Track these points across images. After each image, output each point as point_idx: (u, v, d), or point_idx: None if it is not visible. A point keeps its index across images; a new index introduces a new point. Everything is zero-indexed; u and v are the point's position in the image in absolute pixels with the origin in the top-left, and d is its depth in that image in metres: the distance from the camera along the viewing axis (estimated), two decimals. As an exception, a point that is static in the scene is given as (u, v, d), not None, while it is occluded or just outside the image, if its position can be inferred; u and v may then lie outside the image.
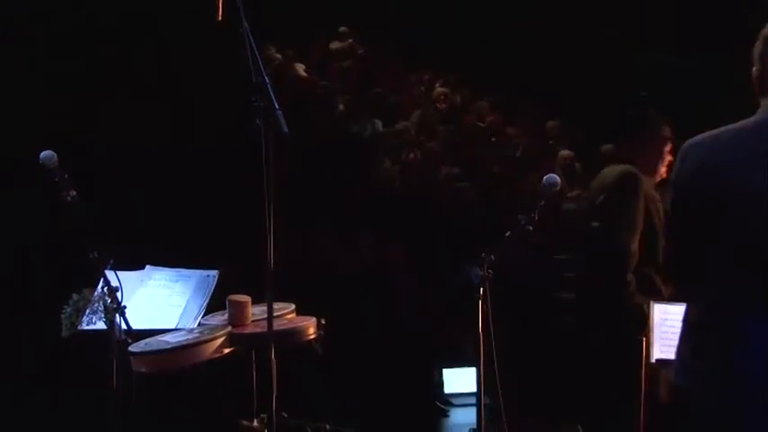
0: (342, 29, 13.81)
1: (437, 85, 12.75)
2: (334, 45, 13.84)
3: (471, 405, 8.06)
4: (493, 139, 11.89)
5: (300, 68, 12.40)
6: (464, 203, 9.57)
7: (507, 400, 7.96)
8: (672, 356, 3.39)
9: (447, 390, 8.14)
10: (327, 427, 3.91)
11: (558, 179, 4.10)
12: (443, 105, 12.39)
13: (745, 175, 2.53)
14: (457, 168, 10.48)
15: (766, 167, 2.50)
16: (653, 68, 11.43)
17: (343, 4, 13.76)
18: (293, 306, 3.79)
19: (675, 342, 3.53)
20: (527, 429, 5.46)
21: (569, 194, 10.49)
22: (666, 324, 4.00)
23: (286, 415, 3.79)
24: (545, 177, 4.07)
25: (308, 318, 3.66)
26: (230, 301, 3.55)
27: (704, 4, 10.77)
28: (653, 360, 3.95)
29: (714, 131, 2.69)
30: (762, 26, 2.70)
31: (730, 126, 2.66)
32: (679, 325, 3.06)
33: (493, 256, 3.92)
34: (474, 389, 8.18)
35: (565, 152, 10.77)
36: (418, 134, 11.29)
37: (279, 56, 12.31)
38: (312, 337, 3.58)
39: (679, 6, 11.26)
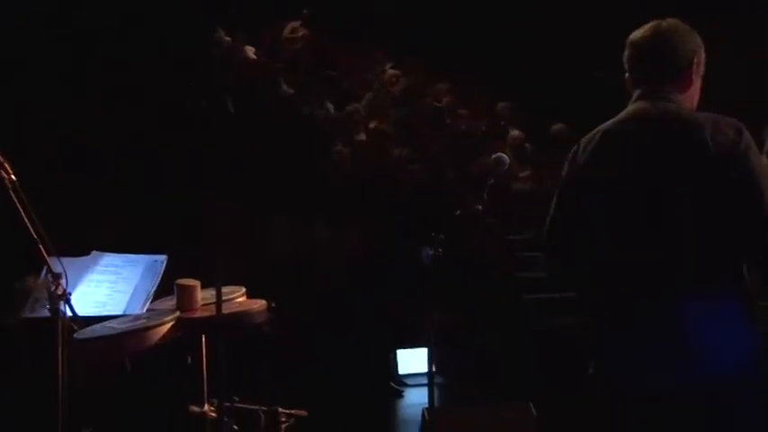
0: (304, 11, 13.66)
1: (388, 67, 12.69)
2: (287, 28, 13.74)
3: (425, 385, 8.13)
4: (448, 121, 11.90)
5: (250, 51, 12.29)
6: (416, 185, 9.55)
7: (463, 379, 8.05)
8: None
9: (402, 371, 8.17)
10: (280, 410, 3.87)
11: (506, 159, 4.08)
12: (395, 88, 12.35)
13: (627, 165, 2.82)
14: (408, 150, 10.47)
15: (647, 157, 2.80)
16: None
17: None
18: (243, 289, 3.74)
19: None
20: (481, 409, 5.49)
21: (521, 175, 10.55)
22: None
23: (237, 399, 3.75)
24: (493, 157, 4.05)
25: (257, 301, 3.61)
26: (178, 286, 3.49)
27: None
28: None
29: (610, 121, 2.93)
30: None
31: (617, 117, 2.92)
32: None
33: (442, 236, 3.87)
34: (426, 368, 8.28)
35: (515, 133, 10.79)
36: (370, 117, 11.27)
37: (228, 38, 12.19)
38: (262, 320, 3.53)
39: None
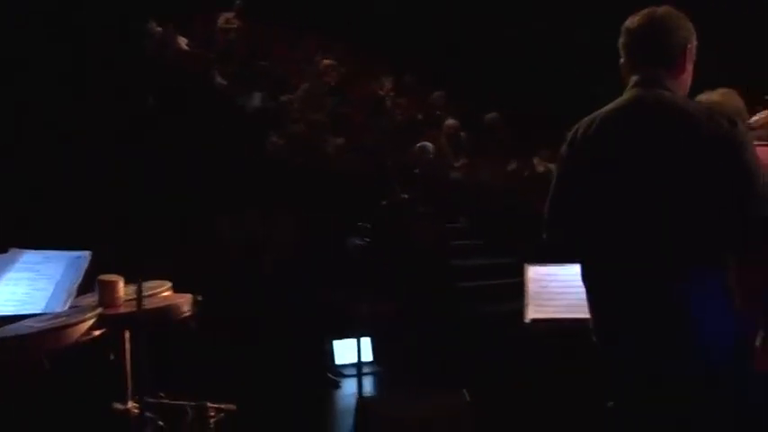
0: (237, 1, 13.54)
1: (323, 56, 12.64)
2: (220, 19, 13.63)
3: (364, 375, 8.12)
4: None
5: (182, 42, 12.16)
6: (351, 174, 9.53)
7: (399, 368, 8.04)
8: (547, 316, 3.57)
9: (338, 361, 8.14)
10: (208, 404, 3.82)
11: (431, 147, 4.07)
12: (330, 77, 12.30)
13: (624, 150, 2.95)
14: (343, 139, 10.45)
15: (642, 143, 2.91)
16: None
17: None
18: (169, 284, 3.69)
19: (551, 302, 3.65)
20: (414, 396, 5.49)
21: (456, 164, 10.58)
22: (541, 285, 4.02)
23: (163, 395, 3.69)
24: (417, 146, 4.04)
25: (183, 295, 3.56)
26: (99, 282, 3.43)
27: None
28: (527, 320, 3.95)
29: (604, 108, 3.05)
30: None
31: (613, 103, 3.04)
32: (558, 286, 3.76)
33: (368, 225, 3.84)
34: (365, 359, 8.26)
35: (450, 122, 10.81)
36: (306, 107, 11.22)
37: (159, 29, 12.04)
38: (187, 314, 3.48)
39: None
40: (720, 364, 2.85)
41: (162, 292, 3.60)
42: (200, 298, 3.51)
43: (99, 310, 3.31)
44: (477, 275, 9.08)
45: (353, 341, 8.06)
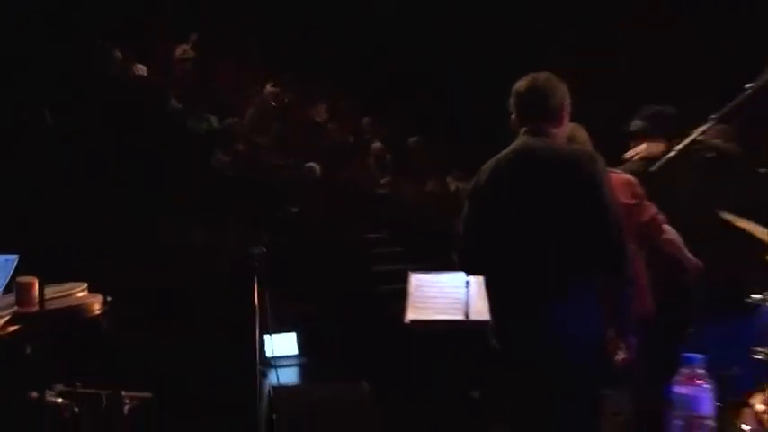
0: (193, 35, 13.49)
1: (269, 85, 12.60)
2: (178, 50, 13.55)
3: (291, 366, 8.08)
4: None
5: (141, 69, 12.04)
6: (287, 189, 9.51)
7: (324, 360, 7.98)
8: (423, 317, 3.64)
9: (270, 353, 8.07)
10: (123, 393, 3.75)
11: (317, 168, 4.07)
12: (275, 103, 12.27)
13: (515, 189, 3.30)
14: (283, 159, 10.44)
15: (529, 183, 3.27)
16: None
17: (187, 9, 13.49)
18: (85, 285, 3.63)
19: (427, 305, 3.70)
20: (321, 386, 5.52)
21: (382, 181, 10.62)
22: (421, 290, 4.04)
23: (79, 384, 3.63)
24: (306, 165, 4.05)
25: (95, 295, 3.51)
26: (17, 283, 3.36)
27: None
28: (407, 321, 3.98)
29: (500, 154, 3.41)
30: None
31: (506, 150, 3.40)
32: (435, 292, 3.99)
33: (266, 236, 3.83)
34: (294, 351, 8.20)
35: (377, 145, 10.85)
36: (252, 129, 11.19)
37: (120, 56, 11.93)
38: (97, 312, 3.43)
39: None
40: (589, 360, 3.20)
41: (76, 292, 3.54)
42: (109, 298, 3.45)
43: (14, 309, 3.25)
44: (396, 279, 9.09)
45: (284, 335, 8.05)
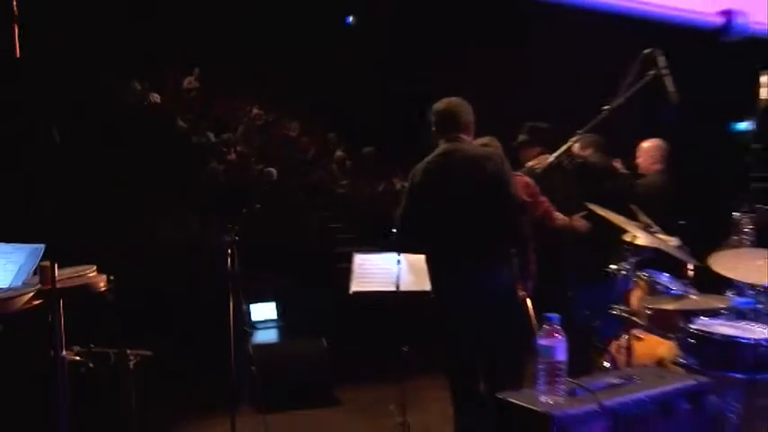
0: (196, 69, 13.37)
1: (255, 108, 12.52)
2: (185, 81, 13.44)
3: (271, 328, 8.03)
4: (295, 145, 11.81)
5: (155, 97, 11.91)
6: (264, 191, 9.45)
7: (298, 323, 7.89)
8: (364, 289, 3.63)
9: (254, 318, 8.03)
10: (128, 351, 3.69)
11: (274, 172, 4.04)
12: (259, 122, 12.20)
13: (443, 183, 3.45)
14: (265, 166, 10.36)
15: (453, 178, 3.44)
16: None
17: (191, 45, 13.37)
18: (94, 267, 3.57)
19: (369, 280, 3.66)
20: (290, 343, 5.53)
21: (342, 182, 10.60)
22: (362, 267, 4.04)
23: (93, 346, 3.57)
24: (264, 170, 4.01)
25: (100, 275, 3.46)
26: (39, 267, 3.31)
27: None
28: (351, 292, 3.97)
29: (428, 157, 3.56)
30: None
31: (433, 154, 3.55)
32: (373, 268, 3.97)
33: (237, 227, 3.79)
34: (273, 317, 8.11)
35: (339, 153, 10.82)
36: (242, 142, 11.11)
37: (138, 86, 11.80)
38: (103, 289, 3.38)
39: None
40: (506, 306, 3.42)
41: (87, 273, 3.48)
42: (113, 277, 3.40)
43: (38, 286, 3.20)
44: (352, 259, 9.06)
45: (265, 304, 8.02)
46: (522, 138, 4.66)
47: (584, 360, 3.75)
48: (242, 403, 4.85)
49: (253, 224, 8.59)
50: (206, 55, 13.13)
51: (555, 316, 2.06)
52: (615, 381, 2.26)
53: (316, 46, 12.39)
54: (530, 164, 4.47)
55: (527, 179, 4.09)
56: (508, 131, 4.64)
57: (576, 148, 4.74)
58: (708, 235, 4.02)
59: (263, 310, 8.01)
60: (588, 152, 4.73)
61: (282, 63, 12.92)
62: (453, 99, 3.61)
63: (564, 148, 3.50)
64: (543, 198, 4.11)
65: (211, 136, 11.02)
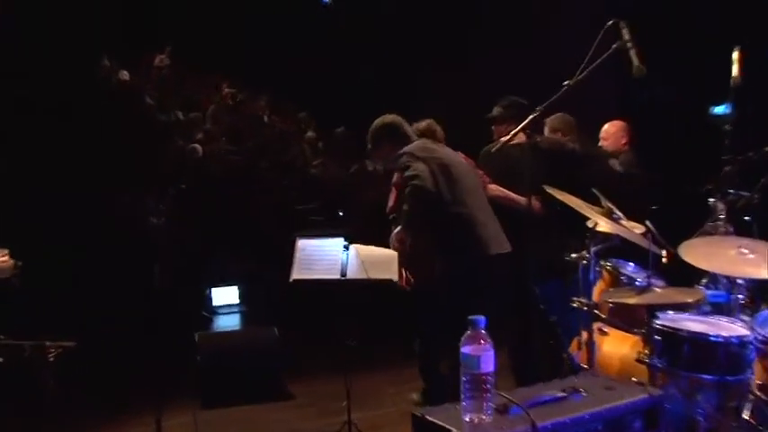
0: (167, 47, 12.90)
1: (225, 86, 12.04)
2: (156, 59, 12.96)
3: (233, 313, 7.68)
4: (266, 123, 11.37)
5: (124, 74, 11.41)
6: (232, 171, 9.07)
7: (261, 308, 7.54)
8: (305, 277, 3.31)
9: (215, 303, 7.67)
10: (47, 343, 3.33)
11: (199, 149, 3.68)
12: (230, 101, 11.73)
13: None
14: (231, 145, 9.97)
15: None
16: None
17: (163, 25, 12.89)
18: (6, 251, 3.21)
19: (310, 267, 3.37)
20: (241, 332, 5.17)
21: (314, 163, 10.22)
22: (304, 253, 3.69)
23: (3, 337, 3.21)
24: (189, 147, 3.63)
25: (8, 260, 3.10)
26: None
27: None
28: (290, 280, 3.62)
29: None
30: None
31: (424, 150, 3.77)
32: (314, 254, 3.66)
33: (163, 206, 3.41)
34: (235, 301, 7.76)
35: (310, 134, 10.44)
36: (212, 122, 10.68)
37: (108, 63, 11.31)
38: (10, 275, 3.03)
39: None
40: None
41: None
42: (20, 263, 3.04)
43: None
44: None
45: (227, 288, 7.67)
46: (495, 111, 4.35)
47: (555, 360, 3.45)
48: (185, 398, 4.51)
49: (216, 204, 8.28)
50: (178, 33, 12.70)
51: (482, 319, 1.71)
52: (558, 394, 1.92)
53: (291, 24, 11.96)
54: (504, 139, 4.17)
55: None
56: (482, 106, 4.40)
57: (546, 130, 4.50)
58: (683, 221, 3.77)
59: (225, 295, 7.67)
60: (558, 135, 4.43)
61: (253, 40, 12.48)
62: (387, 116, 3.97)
63: (519, 128, 3.17)
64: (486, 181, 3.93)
65: (180, 114, 10.58)
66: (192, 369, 4.64)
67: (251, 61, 12.59)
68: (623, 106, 5.44)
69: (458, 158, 3.85)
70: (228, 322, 7.39)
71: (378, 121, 4.04)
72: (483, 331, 1.70)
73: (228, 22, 12.78)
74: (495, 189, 3.96)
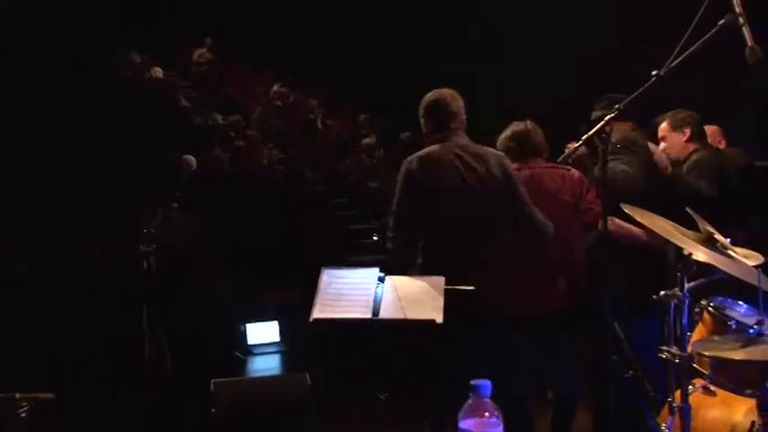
0: (207, 39, 13.22)
1: (275, 86, 12.16)
2: (195, 53, 13.26)
3: (273, 353, 7.60)
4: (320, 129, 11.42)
5: (157, 71, 11.67)
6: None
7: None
8: (328, 316, 3.41)
9: (250, 341, 7.60)
10: (18, 395, 3.27)
11: (193, 160, 3.59)
12: (279, 103, 11.83)
13: (444, 176, 3.59)
14: (280, 153, 10.01)
15: (452, 172, 3.59)
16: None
17: (204, 17, 13.18)
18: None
19: (336, 303, 3.25)
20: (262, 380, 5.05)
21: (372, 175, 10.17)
22: (331, 287, 3.53)
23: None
24: (183, 158, 3.55)
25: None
26: None
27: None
28: (311, 320, 3.47)
29: (426, 150, 3.68)
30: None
31: (431, 148, 3.67)
32: (343, 287, 3.52)
33: (153, 230, 3.33)
34: (275, 339, 7.68)
35: (367, 140, 10.36)
36: (258, 127, 10.79)
37: (138, 59, 11.61)
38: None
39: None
40: None
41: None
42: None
43: None
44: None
45: (265, 323, 7.60)
46: (597, 115, 4.17)
47: (635, 424, 3.19)
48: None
49: (254, 224, 8.25)
50: (219, 23, 12.96)
51: (485, 384, 1.50)
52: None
53: (345, 13, 12.03)
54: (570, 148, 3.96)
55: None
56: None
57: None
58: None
59: (263, 332, 7.61)
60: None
61: (306, 33, 12.59)
62: (445, 91, 3.74)
63: (597, 127, 2.93)
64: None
65: (219, 117, 10.72)
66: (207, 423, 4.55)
67: (304, 55, 12.71)
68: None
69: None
70: (266, 364, 7.33)
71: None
72: (488, 400, 1.50)
73: (277, 10, 12.95)
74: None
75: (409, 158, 3.70)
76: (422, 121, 3.80)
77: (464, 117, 3.75)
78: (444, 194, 3.58)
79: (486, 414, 1.48)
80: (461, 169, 3.58)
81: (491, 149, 3.76)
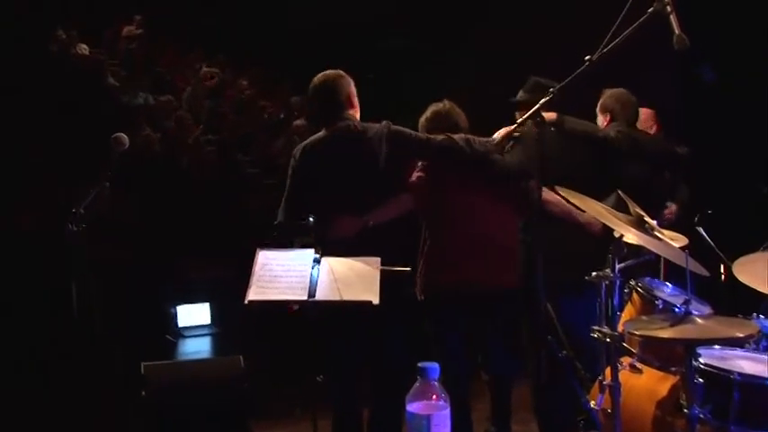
0: (137, 16, 12.89)
1: (205, 65, 11.96)
2: (124, 30, 12.92)
3: (204, 335, 7.50)
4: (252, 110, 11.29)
5: (82, 48, 11.36)
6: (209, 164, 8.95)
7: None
8: (263, 298, 3.40)
9: (181, 324, 7.50)
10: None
11: (125, 138, 3.52)
12: (210, 82, 11.66)
13: (327, 165, 3.72)
14: (207, 135, 9.86)
15: (336, 161, 3.71)
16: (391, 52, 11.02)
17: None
18: None
19: (271, 285, 3.22)
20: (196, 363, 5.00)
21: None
22: (265, 269, 3.51)
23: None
24: (113, 136, 3.47)
25: None
26: None
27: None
28: (246, 301, 3.44)
29: (315, 137, 3.85)
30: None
31: (320, 134, 3.83)
32: (276, 269, 3.53)
33: (83, 210, 3.24)
34: (207, 321, 7.57)
35: (299, 122, 10.28)
36: (188, 107, 10.60)
37: (63, 35, 11.27)
38: None
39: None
40: None
41: None
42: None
43: None
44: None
45: (197, 305, 7.50)
46: (520, 95, 4.22)
47: (569, 400, 3.25)
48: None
49: (186, 206, 8.13)
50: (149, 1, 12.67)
51: (434, 366, 1.51)
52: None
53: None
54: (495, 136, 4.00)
55: None
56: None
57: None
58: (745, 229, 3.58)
59: (194, 314, 7.51)
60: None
61: (238, 14, 12.41)
62: (330, 73, 3.84)
63: (527, 115, 2.99)
64: None
65: (150, 97, 10.50)
66: (137, 407, 4.48)
67: (235, 37, 12.51)
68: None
69: None
70: (197, 347, 7.23)
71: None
72: (435, 383, 1.51)
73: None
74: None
75: (297, 147, 3.90)
76: (308, 105, 4.12)
77: (355, 99, 3.84)
78: (323, 182, 3.73)
79: (434, 397, 1.50)
80: (342, 154, 3.70)
81: (375, 125, 3.80)
